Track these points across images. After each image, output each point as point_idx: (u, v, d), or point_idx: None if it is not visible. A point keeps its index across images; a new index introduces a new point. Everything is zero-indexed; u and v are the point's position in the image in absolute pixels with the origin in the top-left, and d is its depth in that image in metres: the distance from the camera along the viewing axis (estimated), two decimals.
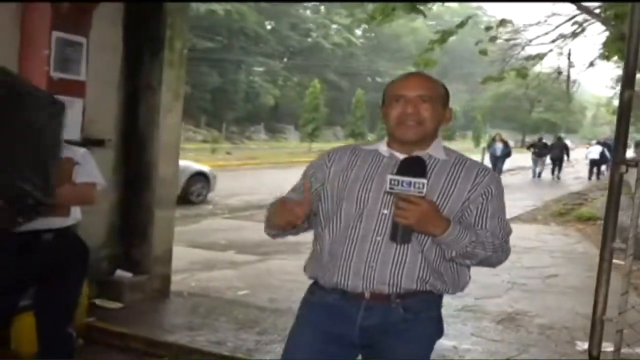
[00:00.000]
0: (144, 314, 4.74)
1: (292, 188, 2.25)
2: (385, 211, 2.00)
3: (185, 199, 11.28)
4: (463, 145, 37.16)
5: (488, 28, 15.63)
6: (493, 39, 15.83)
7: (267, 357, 4.01)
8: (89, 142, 4.65)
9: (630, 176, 3.54)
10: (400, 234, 1.91)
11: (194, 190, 12.10)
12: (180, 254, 7.06)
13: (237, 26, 39.12)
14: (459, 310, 5.19)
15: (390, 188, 1.85)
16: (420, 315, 2.08)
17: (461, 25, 12.70)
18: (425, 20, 50.11)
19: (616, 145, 3.29)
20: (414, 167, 1.90)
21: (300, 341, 2.19)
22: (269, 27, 45.22)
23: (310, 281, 2.22)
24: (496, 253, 2.04)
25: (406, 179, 1.84)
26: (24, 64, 4.16)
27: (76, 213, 3.22)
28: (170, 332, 4.39)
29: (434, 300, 2.14)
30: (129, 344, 4.29)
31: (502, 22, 15.78)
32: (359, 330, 2.06)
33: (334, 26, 48.63)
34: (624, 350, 3.53)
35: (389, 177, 1.85)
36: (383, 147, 2.12)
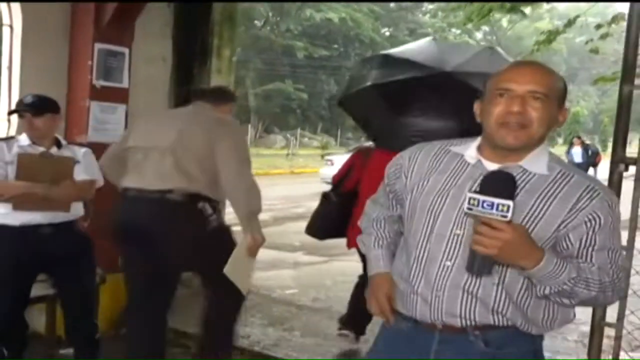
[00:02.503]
0: (184, 307, 4.97)
1: (373, 198, 2.10)
2: (459, 232, 1.71)
3: None
4: None
5: (599, 26, 14.87)
6: (604, 37, 15.08)
7: (282, 351, 4.14)
8: None
9: None
10: (477, 264, 1.59)
11: None
12: None
13: (353, 33, 39.46)
14: None
15: (469, 209, 1.53)
16: (505, 350, 1.75)
17: (569, 24, 12.24)
18: (552, 20, 48.31)
19: (615, 143, 3.15)
20: (500, 184, 1.55)
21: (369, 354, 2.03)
22: (387, 34, 45.29)
23: None
24: (604, 293, 1.66)
25: (488, 199, 1.51)
26: (72, 73, 4.57)
27: (77, 209, 3.51)
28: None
29: (524, 335, 1.77)
30: None
31: (614, 19, 14.99)
32: None
33: (454, 30, 47.91)
34: (624, 356, 3.37)
35: (468, 195, 1.54)
36: (471, 152, 1.76)
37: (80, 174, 3.39)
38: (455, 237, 1.71)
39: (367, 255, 2.02)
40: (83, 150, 3.53)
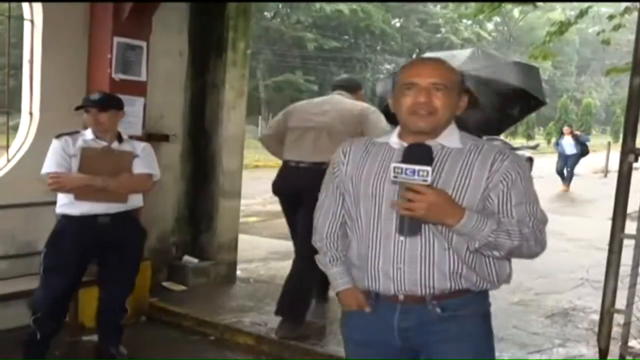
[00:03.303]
0: (202, 297, 5.11)
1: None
2: None
3: None
4: (598, 141, 35.18)
5: (611, 17, 14.77)
6: (616, 28, 15.00)
7: None
8: (155, 137, 5.12)
9: None
10: (406, 226, 1.82)
11: None
12: (268, 245, 7.52)
13: (364, 25, 39.40)
14: (512, 304, 5.10)
15: (394, 177, 1.77)
16: (458, 312, 1.96)
17: (580, 15, 12.17)
18: (565, 10, 47.94)
19: (625, 134, 3.22)
20: (418, 154, 1.80)
21: (346, 351, 2.19)
22: (397, 25, 45.18)
23: None
24: (527, 242, 1.87)
25: (409, 166, 1.74)
26: (91, 67, 4.67)
27: (136, 200, 3.67)
28: (219, 313, 4.72)
29: (475, 298, 1.99)
30: (181, 323, 4.68)
31: (627, 10, 14.91)
32: (397, 333, 1.99)
33: (464, 21, 47.73)
34: (632, 343, 3.43)
35: (393, 165, 1.77)
36: (394, 139, 2.01)
37: (138, 168, 3.58)
38: None
39: (326, 273, 2.18)
40: (142, 145, 3.72)
